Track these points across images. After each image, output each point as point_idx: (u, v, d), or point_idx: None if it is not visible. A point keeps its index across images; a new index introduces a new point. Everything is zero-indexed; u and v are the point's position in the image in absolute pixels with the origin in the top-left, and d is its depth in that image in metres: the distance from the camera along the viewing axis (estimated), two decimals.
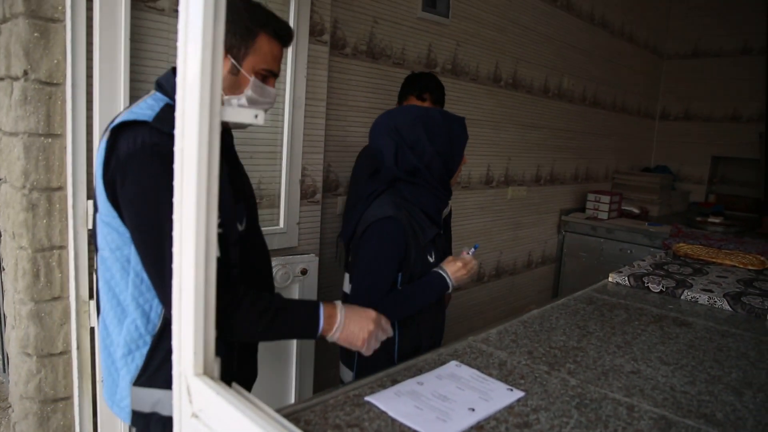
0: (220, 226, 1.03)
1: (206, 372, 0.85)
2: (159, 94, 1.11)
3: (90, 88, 1.41)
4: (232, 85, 1.12)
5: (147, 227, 0.99)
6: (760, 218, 4.01)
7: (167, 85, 1.11)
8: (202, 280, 0.82)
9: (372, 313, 1.15)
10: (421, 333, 1.50)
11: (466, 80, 2.88)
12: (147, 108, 1.04)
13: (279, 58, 1.16)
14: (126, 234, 1.03)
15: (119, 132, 1.01)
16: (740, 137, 4.80)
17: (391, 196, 1.44)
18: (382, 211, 1.39)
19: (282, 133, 1.77)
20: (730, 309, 1.83)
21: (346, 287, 1.55)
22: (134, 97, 1.50)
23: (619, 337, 1.51)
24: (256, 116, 0.89)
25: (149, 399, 1.08)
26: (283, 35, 1.15)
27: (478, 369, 1.26)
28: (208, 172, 0.80)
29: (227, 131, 1.20)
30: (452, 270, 1.46)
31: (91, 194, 1.45)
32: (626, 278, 2.07)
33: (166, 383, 0.99)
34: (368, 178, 1.55)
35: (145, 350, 1.07)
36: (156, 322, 1.07)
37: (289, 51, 1.72)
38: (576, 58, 3.78)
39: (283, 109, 1.73)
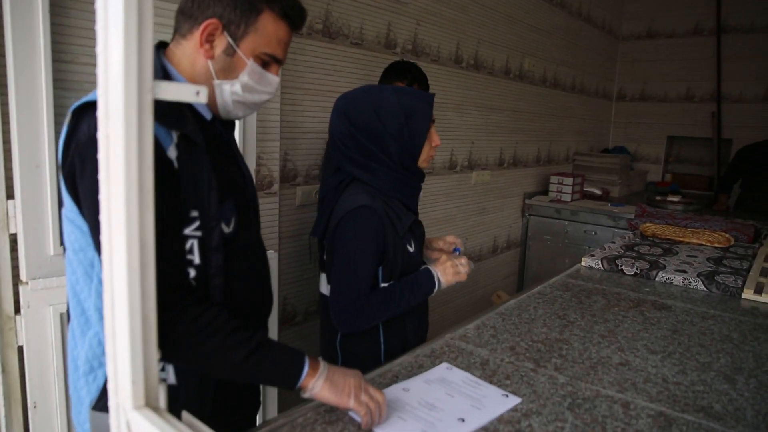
0: (199, 228, 0.90)
1: (148, 403, 0.70)
2: None
3: (3, 69, 1.22)
4: (226, 67, 0.96)
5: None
6: (715, 195, 4.08)
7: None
8: (137, 293, 0.68)
9: (356, 371, 0.97)
10: (407, 330, 1.39)
11: (427, 61, 2.76)
12: None
13: (286, 43, 1.01)
14: (89, 234, 0.88)
15: (81, 113, 0.84)
16: (694, 117, 4.87)
17: (363, 185, 1.32)
18: (356, 200, 1.27)
19: None
20: (705, 289, 1.79)
21: (324, 288, 1.41)
22: (59, 80, 1.32)
23: (601, 326, 1.44)
24: (197, 93, 0.74)
25: (107, 424, 0.93)
26: (292, 16, 0.99)
27: (460, 370, 1.16)
28: (138, 162, 0.65)
29: (219, 120, 1.04)
30: (443, 269, 1.35)
31: (11, 192, 1.26)
32: (599, 261, 2.01)
33: None
34: (336, 168, 1.42)
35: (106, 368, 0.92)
36: None
37: None
38: (536, 38, 3.72)
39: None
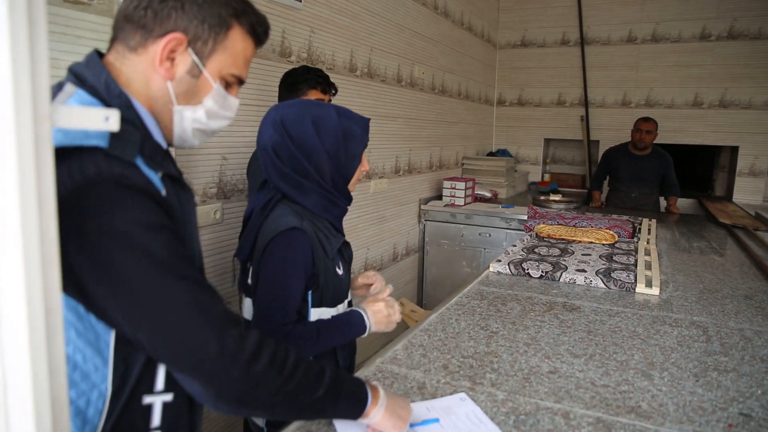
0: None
1: None
2: (83, 93, 0.74)
3: None
4: (189, 90, 0.81)
5: (136, 284, 0.68)
6: (589, 193, 4.43)
7: (94, 79, 0.75)
8: (44, 370, 0.54)
9: (408, 400, 0.96)
10: (336, 353, 1.32)
11: (323, 69, 2.69)
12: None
13: (249, 62, 0.88)
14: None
15: (58, 165, 0.62)
16: (566, 120, 5.27)
17: (290, 206, 1.24)
18: (285, 222, 1.19)
19: None
20: (604, 287, 1.91)
21: (247, 313, 1.30)
22: None
23: (523, 333, 1.46)
24: (107, 119, 0.62)
25: None
26: (260, 33, 0.87)
27: (473, 403, 1.10)
28: (39, 212, 0.52)
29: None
30: (374, 315, 1.27)
31: None
32: (506, 266, 2.07)
33: None
34: (260, 187, 1.31)
35: None
36: (96, 421, 0.73)
37: None
38: (424, 46, 3.80)
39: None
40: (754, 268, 2.28)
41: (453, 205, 3.92)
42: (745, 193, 4.77)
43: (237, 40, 0.84)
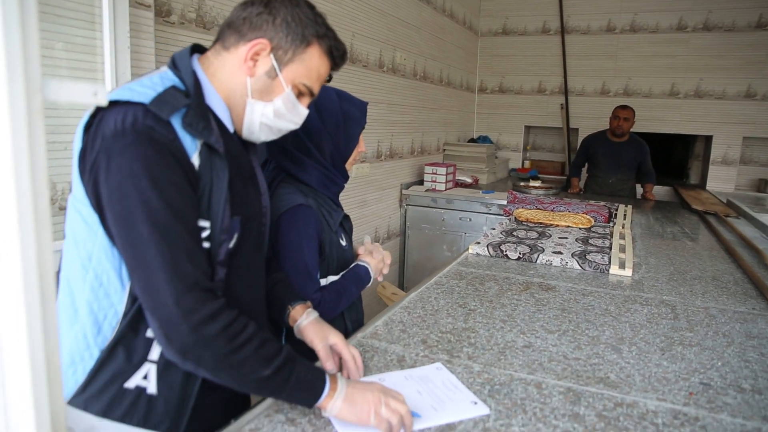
0: (208, 239, 0.88)
1: None
2: (169, 72, 0.91)
3: None
4: (264, 89, 0.96)
5: (131, 222, 0.79)
6: (568, 180, 4.51)
7: (181, 64, 0.92)
8: (39, 331, 0.57)
9: (378, 386, 0.93)
10: (346, 321, 1.44)
11: None
12: (148, 86, 0.84)
13: (323, 79, 1.03)
14: (94, 227, 0.84)
15: (107, 109, 0.82)
16: (546, 108, 5.33)
17: (293, 184, 1.34)
18: (292, 200, 1.29)
19: None
20: (579, 268, 1.97)
21: None
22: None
23: (500, 311, 1.51)
24: (95, 94, 0.64)
25: (82, 422, 0.88)
26: (336, 56, 1.02)
27: (378, 369, 1.15)
28: (32, 181, 0.54)
29: (243, 141, 1.04)
30: (371, 261, 1.41)
31: None
32: (485, 248, 2.12)
33: (104, 411, 0.87)
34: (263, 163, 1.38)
35: (89, 365, 0.88)
36: (108, 335, 0.87)
37: (106, 15, 1.38)
38: (406, 33, 3.81)
39: (94, 88, 1.38)
40: (722, 252, 2.36)
41: (434, 190, 3.96)
42: (718, 181, 4.90)
43: (314, 56, 0.98)
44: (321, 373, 0.90)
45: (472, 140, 5.30)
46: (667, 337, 1.38)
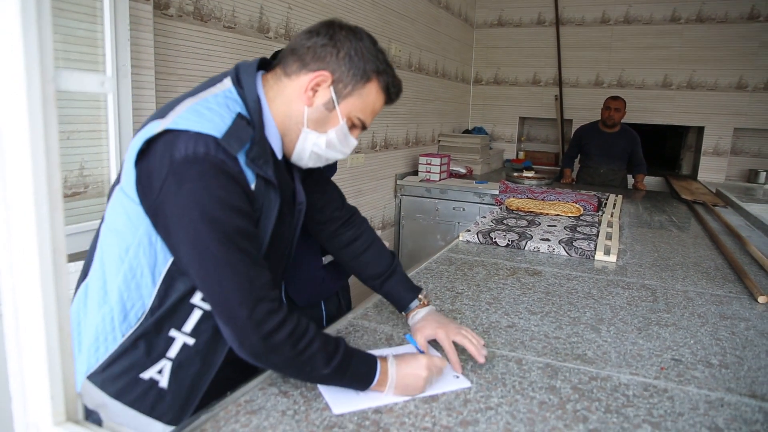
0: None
1: (69, 418, 0.66)
2: (234, 91, 0.93)
3: None
4: (320, 119, 0.99)
5: (203, 243, 0.84)
6: (561, 170, 4.57)
7: (246, 85, 0.95)
8: (53, 301, 0.63)
9: (422, 360, 1.02)
10: (340, 300, 1.53)
11: None
12: (217, 115, 0.88)
13: (376, 114, 1.05)
14: (136, 223, 0.90)
15: (179, 134, 0.85)
16: (541, 100, 5.38)
17: None
18: None
19: (106, 108, 1.48)
20: (566, 254, 2.03)
21: None
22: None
23: (486, 294, 1.58)
24: (102, 84, 0.70)
25: (95, 398, 0.95)
26: (392, 92, 1.04)
27: (366, 347, 1.21)
28: (47, 160, 0.60)
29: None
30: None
31: None
32: (475, 235, 2.18)
33: (117, 394, 0.93)
34: None
35: (111, 348, 0.94)
36: (132, 324, 0.93)
37: (107, 8, 1.43)
38: (401, 24, 3.85)
39: (102, 78, 1.44)
40: (707, 240, 2.43)
41: (428, 180, 4.02)
42: (710, 171, 4.96)
43: (372, 91, 1.00)
44: (373, 364, 0.98)
45: (466, 131, 5.34)
46: (644, 318, 1.44)
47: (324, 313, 1.47)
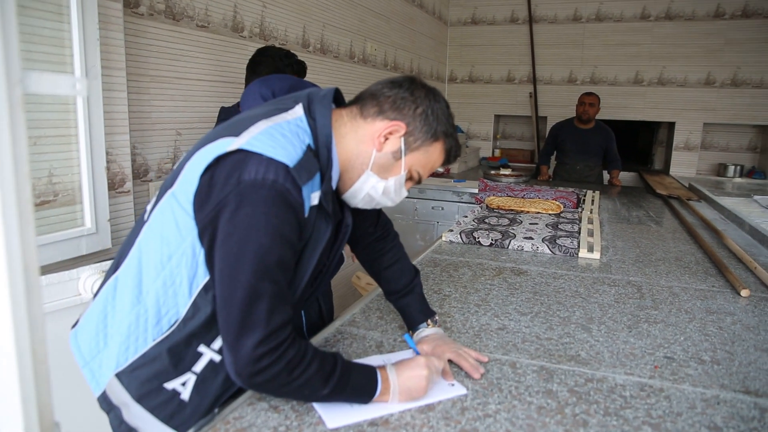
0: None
1: None
2: (305, 121, 0.94)
3: None
4: (385, 165, 1.01)
5: (240, 265, 0.84)
6: (538, 167, 4.60)
7: (319, 115, 0.96)
8: (25, 326, 0.57)
9: (420, 360, 1.01)
10: (321, 306, 1.48)
11: (276, 45, 2.69)
12: (290, 143, 0.89)
13: (432, 171, 1.09)
14: (184, 233, 0.90)
15: (251, 155, 0.85)
16: (515, 97, 5.41)
17: None
18: None
19: (75, 111, 1.41)
20: (549, 252, 2.03)
21: None
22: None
23: (474, 296, 1.55)
24: (74, 86, 0.65)
25: (120, 396, 0.96)
26: (452, 156, 1.08)
27: (356, 355, 1.18)
28: (14, 172, 0.55)
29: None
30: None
31: None
32: (458, 235, 2.16)
33: (139, 397, 0.94)
34: None
35: (141, 350, 0.94)
36: (164, 329, 0.93)
37: (74, 6, 1.35)
38: (376, 23, 3.82)
39: (74, 80, 1.36)
40: (685, 234, 2.46)
41: None
42: (681, 166, 5.06)
43: (436, 151, 1.04)
44: (373, 375, 0.96)
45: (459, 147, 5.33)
46: (633, 315, 1.44)
47: (304, 320, 1.42)
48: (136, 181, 1.85)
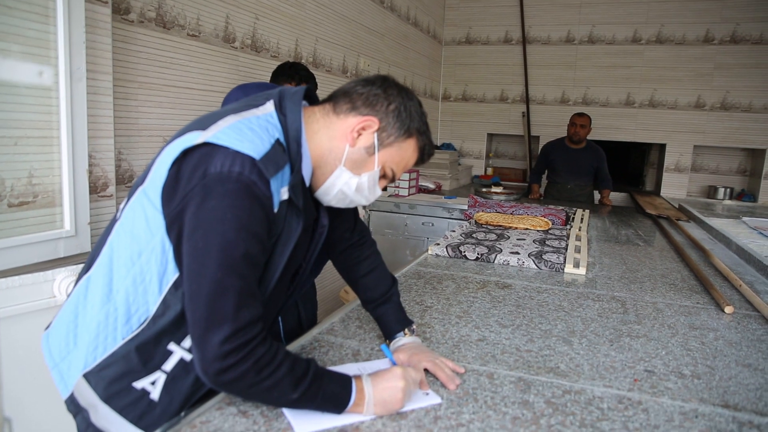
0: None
1: None
2: (275, 117, 0.95)
3: None
4: (358, 161, 1.01)
5: (207, 260, 0.82)
6: (529, 186, 4.61)
7: (289, 111, 0.96)
8: None
9: (397, 371, 0.99)
10: (300, 313, 1.46)
11: (267, 57, 2.71)
12: (257, 136, 0.88)
13: (407, 170, 1.10)
14: (153, 229, 0.89)
15: (217, 148, 0.85)
16: (508, 116, 5.45)
17: None
18: None
19: (58, 113, 1.39)
20: (535, 267, 2.02)
21: None
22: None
23: (456, 308, 1.54)
24: (41, 74, 0.64)
25: (87, 397, 0.94)
26: (426, 154, 1.09)
27: (332, 363, 1.16)
28: None
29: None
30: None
31: None
32: (444, 249, 2.15)
33: (107, 398, 0.92)
34: None
35: (110, 349, 0.92)
36: (134, 327, 0.91)
37: (60, 8, 1.35)
38: (370, 39, 3.85)
39: (58, 82, 1.36)
40: (672, 252, 2.46)
41: (397, 195, 3.99)
42: (672, 187, 5.09)
43: (410, 148, 1.04)
44: (347, 384, 0.93)
45: (435, 147, 5.36)
46: (616, 329, 1.43)
47: (281, 326, 1.40)
48: (120, 186, 1.84)
